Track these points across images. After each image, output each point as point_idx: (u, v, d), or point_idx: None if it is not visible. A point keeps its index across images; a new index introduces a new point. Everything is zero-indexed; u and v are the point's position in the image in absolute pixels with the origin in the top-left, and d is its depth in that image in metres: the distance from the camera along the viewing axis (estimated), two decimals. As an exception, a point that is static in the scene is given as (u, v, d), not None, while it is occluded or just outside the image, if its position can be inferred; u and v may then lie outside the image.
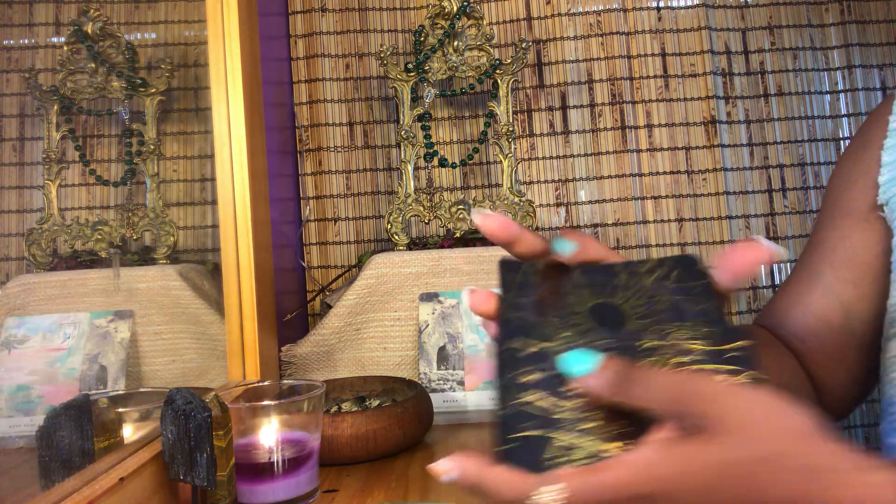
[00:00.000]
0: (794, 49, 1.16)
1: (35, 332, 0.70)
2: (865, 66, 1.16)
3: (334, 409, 0.81)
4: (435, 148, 1.02)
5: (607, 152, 1.16)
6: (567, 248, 0.36)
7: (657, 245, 1.14)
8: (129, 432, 0.58)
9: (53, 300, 0.75)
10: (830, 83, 1.16)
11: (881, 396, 0.59)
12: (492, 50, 1.02)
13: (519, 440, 0.30)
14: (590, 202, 1.16)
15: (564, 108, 1.17)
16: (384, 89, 1.19)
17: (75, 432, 0.50)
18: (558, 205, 1.16)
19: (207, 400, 0.52)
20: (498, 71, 1.01)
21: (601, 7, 1.17)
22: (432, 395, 0.84)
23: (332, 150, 1.17)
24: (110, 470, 0.48)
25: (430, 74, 1.01)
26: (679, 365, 0.31)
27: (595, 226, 1.15)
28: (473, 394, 0.85)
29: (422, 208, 1.00)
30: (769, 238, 1.15)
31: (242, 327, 0.79)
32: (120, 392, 0.69)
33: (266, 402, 0.61)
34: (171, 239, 0.85)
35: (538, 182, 1.17)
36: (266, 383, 0.66)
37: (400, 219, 1.00)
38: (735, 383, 0.30)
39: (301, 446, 0.58)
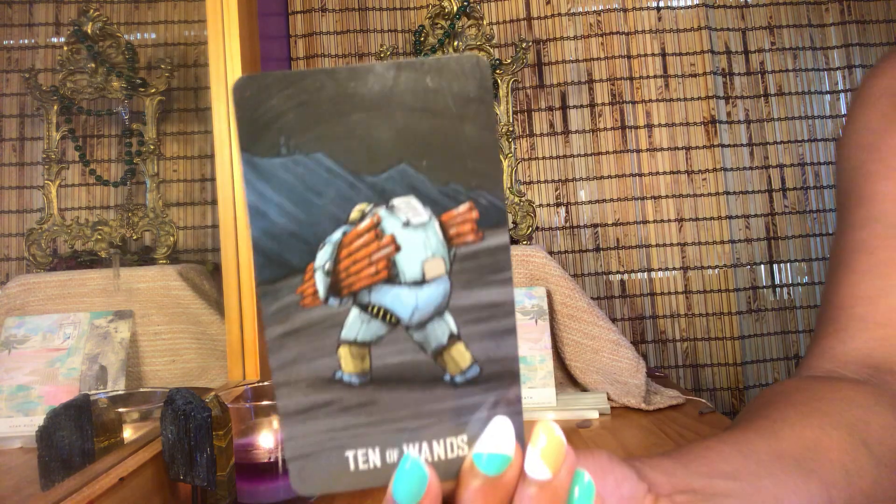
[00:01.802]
0: (794, 49, 1.16)
1: (35, 332, 0.71)
2: (865, 66, 1.16)
3: (334, 409, 0.81)
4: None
5: (607, 152, 1.16)
6: None
7: (657, 245, 1.14)
8: (129, 432, 0.58)
9: (53, 300, 0.75)
10: (830, 83, 1.16)
11: None
12: (492, 50, 1.02)
13: None
14: (590, 202, 1.16)
15: (564, 108, 1.17)
16: (384, 89, 1.19)
17: (75, 432, 0.50)
18: (558, 205, 1.16)
19: (207, 400, 0.52)
20: (498, 71, 1.01)
21: (601, 7, 1.17)
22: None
23: (332, 150, 1.17)
24: (110, 470, 0.48)
25: (430, 74, 1.01)
26: None
27: (595, 226, 1.15)
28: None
29: (422, 208, 1.00)
30: (769, 238, 1.15)
31: (242, 327, 0.79)
32: (120, 392, 0.69)
33: (266, 402, 0.61)
34: (171, 239, 0.85)
35: (538, 182, 1.17)
36: (266, 383, 0.66)
37: (400, 219, 0.99)
38: None
39: (301, 446, 0.58)
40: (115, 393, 0.68)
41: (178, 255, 0.87)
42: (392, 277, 0.24)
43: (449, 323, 0.25)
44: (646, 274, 1.14)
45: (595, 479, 0.26)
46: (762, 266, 1.14)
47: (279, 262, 0.24)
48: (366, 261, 0.24)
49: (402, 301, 0.24)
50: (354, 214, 0.24)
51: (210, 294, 0.84)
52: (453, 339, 0.25)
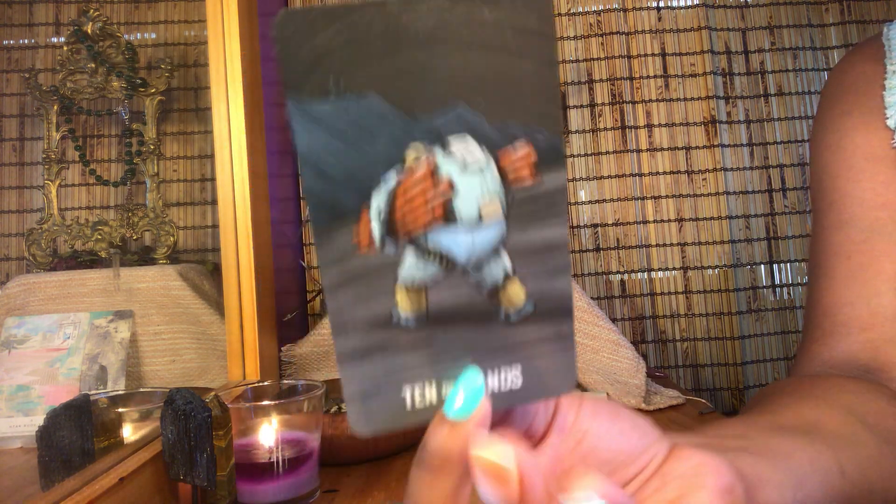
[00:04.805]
0: (794, 49, 1.16)
1: (35, 332, 0.71)
2: (865, 66, 1.16)
3: (334, 409, 0.81)
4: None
5: (607, 152, 1.16)
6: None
7: (657, 245, 1.14)
8: (129, 432, 0.58)
9: (53, 300, 0.75)
10: (830, 83, 1.16)
11: None
12: (492, 50, 1.02)
13: None
14: (590, 202, 1.16)
15: (564, 108, 1.17)
16: (384, 89, 1.19)
17: (75, 432, 0.50)
18: (558, 205, 1.16)
19: (207, 400, 0.52)
20: (498, 71, 1.01)
21: (601, 7, 1.17)
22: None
23: (332, 150, 1.17)
24: (110, 470, 0.48)
25: (430, 74, 1.01)
26: None
27: (595, 226, 1.15)
28: (473, 394, 0.85)
29: (422, 208, 1.00)
30: (769, 238, 1.15)
31: (242, 327, 0.79)
32: (120, 392, 0.69)
33: (266, 402, 0.61)
34: (171, 239, 0.85)
35: (538, 182, 1.17)
36: (266, 383, 0.66)
37: (400, 219, 0.99)
38: None
39: (301, 446, 0.58)
40: (115, 393, 0.68)
41: (178, 255, 0.87)
42: (449, 220, 0.24)
43: (505, 263, 0.24)
44: (646, 274, 1.14)
45: (609, 417, 0.27)
46: (762, 266, 1.14)
47: (333, 207, 0.23)
48: (423, 206, 0.24)
49: (459, 243, 0.24)
50: (410, 156, 0.23)
51: (210, 294, 0.84)
52: (508, 277, 0.24)
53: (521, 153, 0.24)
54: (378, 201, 0.23)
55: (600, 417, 0.27)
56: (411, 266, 0.24)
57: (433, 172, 0.23)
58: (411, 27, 0.22)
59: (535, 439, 0.26)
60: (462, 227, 0.24)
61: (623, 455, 0.27)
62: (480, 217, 0.24)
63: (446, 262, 0.24)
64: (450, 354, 0.24)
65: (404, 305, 0.24)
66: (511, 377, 0.25)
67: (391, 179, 0.23)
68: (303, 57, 0.22)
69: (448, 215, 0.24)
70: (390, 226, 0.23)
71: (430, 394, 0.24)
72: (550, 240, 0.24)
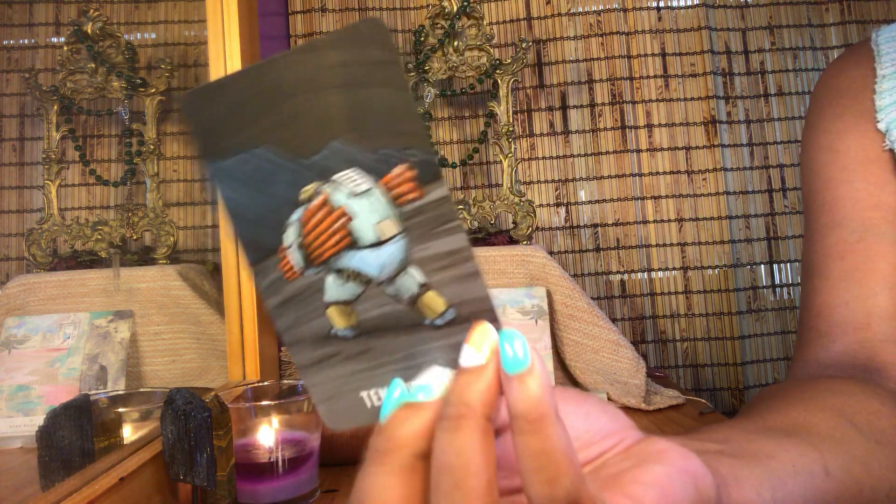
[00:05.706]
0: (794, 49, 1.16)
1: (35, 332, 0.71)
2: (865, 66, 1.15)
3: (334, 409, 0.81)
4: (435, 148, 1.02)
5: (607, 152, 1.16)
6: None
7: (657, 245, 1.14)
8: (129, 432, 0.58)
9: (53, 300, 0.75)
10: (830, 83, 1.16)
11: None
12: (492, 50, 1.02)
13: None
14: (590, 202, 1.16)
15: (564, 107, 1.17)
16: (384, 89, 1.18)
17: (75, 432, 0.50)
18: (558, 205, 1.16)
19: (207, 400, 0.52)
20: (498, 71, 1.01)
21: (601, 7, 1.17)
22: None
23: (332, 150, 1.17)
24: (110, 470, 0.48)
25: (430, 74, 1.01)
26: None
27: (595, 226, 1.15)
28: (473, 394, 0.85)
29: (422, 208, 1.00)
30: (769, 238, 1.15)
31: (242, 327, 0.79)
32: (120, 392, 0.69)
33: (266, 402, 0.61)
34: (171, 239, 0.85)
35: (538, 182, 1.17)
36: (266, 383, 0.66)
37: (400, 219, 0.99)
38: None
39: (301, 446, 0.58)
40: (115, 393, 0.68)
41: (178, 255, 0.87)
42: (353, 243, 0.27)
43: (415, 275, 0.27)
44: (646, 274, 1.14)
45: (575, 400, 0.28)
46: (762, 266, 1.14)
47: (257, 246, 0.27)
48: (327, 233, 0.26)
49: (367, 262, 0.27)
50: (303, 195, 0.26)
51: (210, 294, 0.84)
52: (424, 287, 0.27)
53: (396, 172, 0.26)
54: (289, 235, 0.27)
55: (566, 399, 0.28)
56: (332, 287, 0.27)
57: (327, 204, 0.26)
58: (279, 82, 0.25)
59: (500, 426, 0.27)
60: (366, 248, 0.27)
61: (589, 434, 0.28)
62: (379, 236, 0.26)
63: (361, 279, 0.27)
64: (391, 360, 0.27)
65: (337, 322, 0.27)
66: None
67: (296, 216, 0.26)
68: (206, 125, 0.25)
69: (351, 238, 0.27)
70: (305, 253, 0.27)
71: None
72: (451, 248, 0.26)
